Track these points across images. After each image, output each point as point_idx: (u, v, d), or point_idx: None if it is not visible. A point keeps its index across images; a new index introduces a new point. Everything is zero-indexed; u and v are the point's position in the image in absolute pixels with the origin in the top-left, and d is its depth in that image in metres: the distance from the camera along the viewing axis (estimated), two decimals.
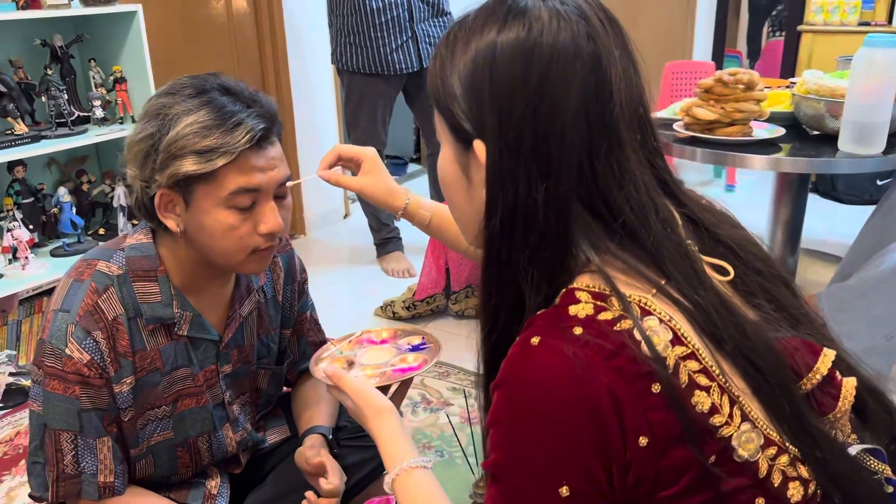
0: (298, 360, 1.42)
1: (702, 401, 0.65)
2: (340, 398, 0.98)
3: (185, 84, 1.06)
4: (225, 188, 1.03)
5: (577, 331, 0.65)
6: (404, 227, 2.98)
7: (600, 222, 0.69)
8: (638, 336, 0.64)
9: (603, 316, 0.66)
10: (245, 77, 1.10)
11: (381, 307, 2.71)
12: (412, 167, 4.72)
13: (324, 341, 1.46)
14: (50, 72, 2.26)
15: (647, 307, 0.67)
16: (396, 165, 4.62)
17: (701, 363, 0.66)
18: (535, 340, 0.66)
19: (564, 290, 0.69)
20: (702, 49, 4.51)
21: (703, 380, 0.65)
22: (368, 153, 1.14)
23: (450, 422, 1.92)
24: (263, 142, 1.05)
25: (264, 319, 1.30)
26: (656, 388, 0.63)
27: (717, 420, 0.65)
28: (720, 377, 0.66)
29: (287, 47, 3.27)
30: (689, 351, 0.66)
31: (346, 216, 3.83)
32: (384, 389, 0.99)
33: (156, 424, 1.18)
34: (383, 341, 1.15)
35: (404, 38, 2.75)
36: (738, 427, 0.65)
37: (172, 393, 1.17)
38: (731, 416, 0.65)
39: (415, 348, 1.11)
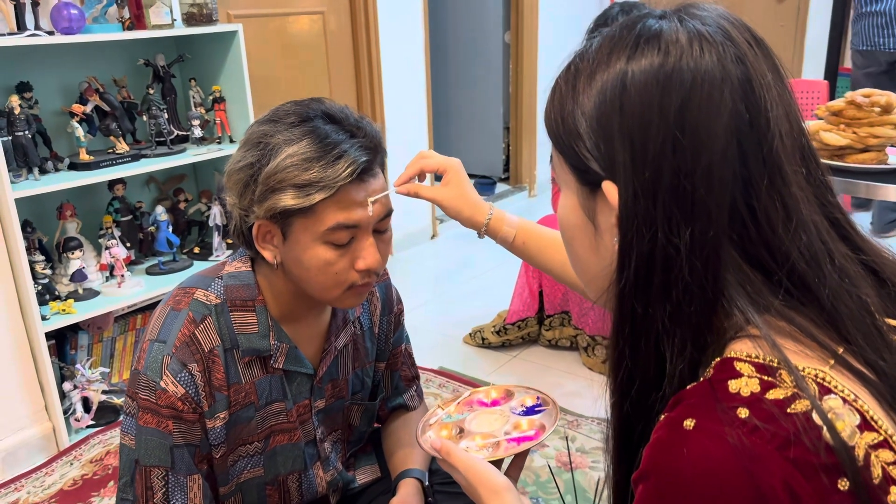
0: (391, 395, 1.36)
1: None
2: (451, 473, 0.90)
3: (288, 111, 1.01)
4: (323, 223, 0.98)
5: (742, 413, 0.54)
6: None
7: (760, 272, 0.59)
8: (818, 420, 0.53)
9: (772, 394, 0.55)
10: (340, 97, 1.04)
11: (470, 334, 2.62)
12: (500, 187, 4.65)
13: (417, 376, 1.39)
14: (152, 91, 2.29)
15: (826, 383, 0.56)
16: (484, 185, 4.55)
17: None
18: (688, 423, 0.55)
19: (719, 358, 0.59)
20: (811, 67, 4.26)
21: None
22: (453, 163, 1.08)
23: (548, 466, 1.80)
24: (365, 174, 0.99)
25: (360, 352, 1.24)
26: (843, 484, 0.52)
27: None
28: None
29: (382, 67, 3.25)
30: (882, 438, 0.55)
31: (433, 237, 3.78)
32: (497, 462, 0.90)
33: (247, 461, 1.13)
34: (494, 402, 1.05)
35: None
36: None
37: (265, 428, 1.12)
38: None
39: (528, 411, 1.00)
